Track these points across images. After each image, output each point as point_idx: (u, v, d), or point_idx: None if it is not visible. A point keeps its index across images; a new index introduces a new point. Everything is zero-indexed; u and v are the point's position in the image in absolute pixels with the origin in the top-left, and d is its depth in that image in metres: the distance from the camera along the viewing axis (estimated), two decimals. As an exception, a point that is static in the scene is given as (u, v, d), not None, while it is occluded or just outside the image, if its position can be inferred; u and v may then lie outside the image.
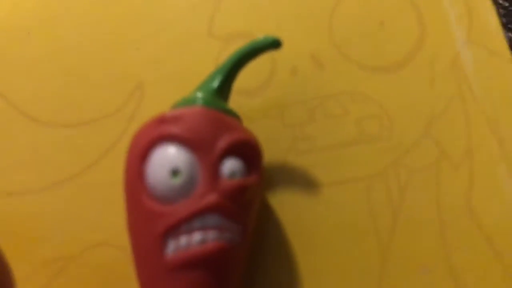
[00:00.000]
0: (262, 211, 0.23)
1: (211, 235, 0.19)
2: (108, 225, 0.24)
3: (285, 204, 0.23)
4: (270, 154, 0.24)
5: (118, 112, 0.25)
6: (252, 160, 0.21)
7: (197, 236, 0.19)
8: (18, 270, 0.23)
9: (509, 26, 0.26)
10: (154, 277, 0.20)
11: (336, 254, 0.23)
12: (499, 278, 0.22)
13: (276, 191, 0.24)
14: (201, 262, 0.19)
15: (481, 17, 0.25)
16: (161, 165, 0.20)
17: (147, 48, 0.26)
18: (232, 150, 0.20)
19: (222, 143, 0.20)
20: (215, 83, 0.22)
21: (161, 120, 0.20)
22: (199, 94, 0.21)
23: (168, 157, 0.20)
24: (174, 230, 0.19)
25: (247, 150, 0.21)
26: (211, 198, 0.19)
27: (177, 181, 0.19)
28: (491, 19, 0.25)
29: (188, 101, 0.21)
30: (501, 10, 0.26)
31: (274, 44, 0.22)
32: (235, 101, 0.24)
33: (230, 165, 0.20)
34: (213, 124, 0.20)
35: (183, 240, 0.19)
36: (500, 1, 0.26)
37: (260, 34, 0.26)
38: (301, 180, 0.24)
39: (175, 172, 0.19)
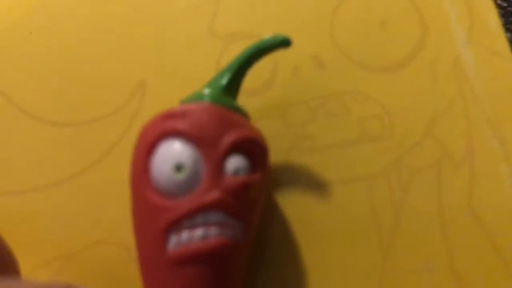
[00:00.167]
0: (265, 209, 0.23)
1: (213, 231, 0.19)
2: (108, 224, 0.24)
3: (287, 203, 0.24)
4: (272, 153, 0.24)
5: (119, 111, 0.25)
6: (257, 158, 0.21)
7: (199, 232, 0.19)
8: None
9: (508, 26, 0.26)
10: (156, 271, 0.20)
11: (337, 253, 0.23)
12: (501, 277, 0.22)
13: (278, 190, 0.24)
14: (203, 258, 0.19)
15: (482, 17, 0.26)
16: (166, 160, 0.20)
17: (149, 47, 0.26)
18: (237, 147, 0.20)
19: (227, 140, 0.20)
20: (224, 81, 0.22)
21: (168, 116, 0.20)
22: (207, 91, 0.21)
23: (173, 152, 0.20)
24: (176, 225, 0.19)
25: (252, 148, 0.21)
26: (214, 194, 0.19)
27: (181, 176, 0.19)
28: (492, 19, 0.25)
29: (195, 97, 0.21)
30: (499, 10, 0.26)
31: (284, 43, 0.22)
32: (237, 101, 0.24)
33: (235, 162, 0.20)
34: (219, 120, 0.20)
35: (185, 235, 0.19)
36: (499, 1, 0.26)
37: (261, 34, 0.26)
38: (303, 180, 0.24)
39: (179, 167, 0.19)
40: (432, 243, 0.23)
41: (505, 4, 0.26)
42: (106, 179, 0.24)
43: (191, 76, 0.26)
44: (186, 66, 0.26)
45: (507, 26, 0.26)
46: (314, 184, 0.24)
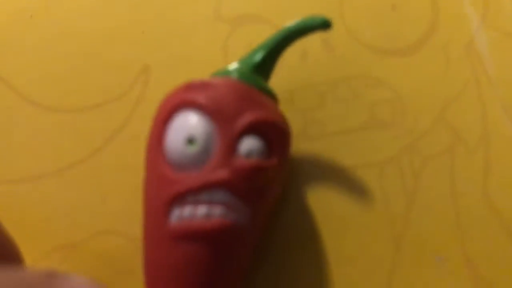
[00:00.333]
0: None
1: (217, 211, 0.19)
2: (113, 213, 0.23)
3: (295, 190, 0.23)
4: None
5: (123, 97, 0.25)
6: (275, 143, 0.20)
7: (202, 209, 0.19)
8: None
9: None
10: (156, 242, 0.19)
11: (348, 241, 0.22)
12: (519, 265, 0.21)
13: (286, 177, 0.23)
14: (203, 236, 0.19)
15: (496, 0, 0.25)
16: (179, 132, 0.19)
17: (152, 31, 0.26)
18: (254, 129, 0.19)
19: (244, 119, 0.19)
20: (255, 59, 0.21)
21: (188, 87, 0.20)
22: (236, 67, 0.21)
23: (187, 124, 0.19)
24: (180, 198, 0.19)
25: (271, 132, 0.20)
26: (222, 173, 0.19)
27: (192, 149, 0.19)
28: (506, 1, 0.25)
29: (224, 72, 0.21)
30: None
31: (324, 24, 0.21)
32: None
33: (249, 144, 0.19)
34: (241, 98, 0.19)
35: (188, 210, 0.19)
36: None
37: (269, 17, 0.25)
38: (312, 166, 0.23)
39: (190, 140, 0.19)
40: (445, 231, 0.22)
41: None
42: (109, 166, 0.24)
43: (196, 61, 0.25)
44: (191, 51, 0.25)
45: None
46: (323, 170, 0.23)
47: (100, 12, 0.26)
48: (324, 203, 0.23)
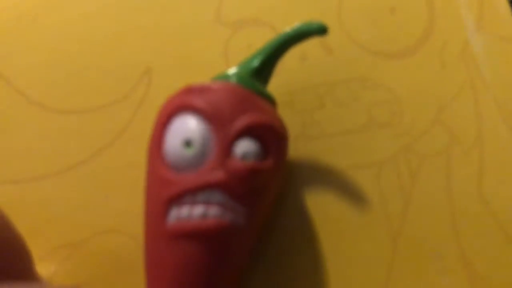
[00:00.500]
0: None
1: (213, 211, 0.19)
2: (116, 212, 0.23)
3: (294, 191, 0.23)
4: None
5: (125, 99, 0.25)
6: (271, 146, 0.20)
7: (199, 210, 0.19)
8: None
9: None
10: (155, 243, 0.20)
11: (346, 241, 0.23)
12: (511, 264, 0.22)
13: (285, 178, 0.23)
14: (200, 236, 0.19)
15: (491, 3, 0.25)
16: (177, 134, 0.20)
17: (155, 34, 0.26)
18: (250, 132, 0.20)
19: (240, 122, 0.20)
20: (254, 64, 0.21)
21: (187, 90, 0.20)
22: (235, 71, 0.21)
23: (185, 127, 0.20)
24: (178, 199, 0.19)
25: (267, 135, 0.20)
26: (218, 175, 0.19)
27: (189, 152, 0.19)
28: (502, 5, 0.25)
29: (223, 77, 0.21)
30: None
31: (320, 30, 0.22)
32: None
33: (244, 146, 0.20)
34: (238, 102, 0.20)
35: (185, 210, 0.19)
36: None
37: (270, 20, 0.26)
38: (311, 167, 0.24)
39: (188, 143, 0.19)
40: (441, 231, 0.22)
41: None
42: (113, 167, 0.24)
43: (197, 64, 0.25)
44: (193, 54, 0.26)
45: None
46: (322, 171, 0.23)
47: (102, 15, 0.27)
48: (322, 203, 0.23)
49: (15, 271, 0.19)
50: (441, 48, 0.25)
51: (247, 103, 0.20)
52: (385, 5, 0.26)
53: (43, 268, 0.23)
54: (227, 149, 0.19)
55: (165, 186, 0.20)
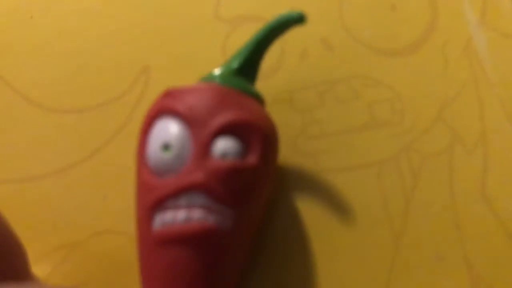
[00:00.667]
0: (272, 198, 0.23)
1: (197, 214, 0.19)
2: (114, 212, 0.23)
3: (294, 191, 0.23)
4: (279, 139, 0.23)
5: (123, 97, 0.25)
6: (253, 144, 0.20)
7: (182, 214, 0.19)
8: (22, 257, 0.23)
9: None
10: (145, 249, 0.20)
11: (347, 241, 0.22)
12: (517, 264, 0.21)
13: (284, 177, 0.23)
14: (184, 240, 0.19)
15: (494, 0, 0.25)
16: (157, 139, 0.19)
17: (152, 31, 0.26)
18: (229, 130, 0.19)
19: (217, 121, 0.19)
20: (237, 61, 0.21)
21: (166, 94, 0.20)
22: (218, 72, 0.21)
23: (163, 131, 0.19)
24: (161, 204, 0.19)
25: (247, 132, 0.19)
26: (197, 176, 0.19)
27: (167, 155, 0.19)
28: (505, 2, 0.25)
29: (206, 78, 0.21)
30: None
31: (298, 19, 0.21)
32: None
33: (223, 145, 0.19)
34: (217, 102, 0.19)
35: (169, 215, 0.19)
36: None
37: (269, 17, 0.25)
38: (311, 166, 0.23)
39: (166, 146, 0.19)
40: (444, 231, 0.22)
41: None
42: (110, 166, 0.24)
43: (196, 61, 0.25)
44: (191, 51, 0.25)
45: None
46: (322, 170, 0.23)
47: (100, 12, 0.26)
48: (322, 203, 0.23)
49: (11, 271, 0.19)
50: (443, 45, 0.24)
51: (227, 102, 0.20)
52: (386, 2, 0.25)
53: (40, 269, 0.23)
54: (205, 149, 0.19)
55: (148, 191, 0.19)
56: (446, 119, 0.23)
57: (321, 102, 0.24)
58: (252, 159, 0.19)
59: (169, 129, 0.19)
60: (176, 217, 0.19)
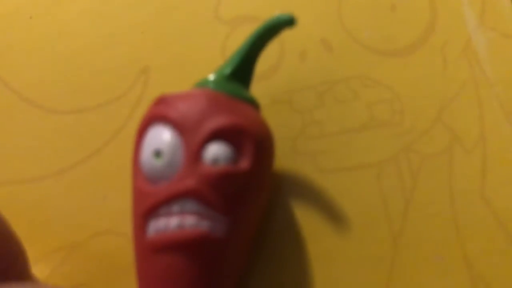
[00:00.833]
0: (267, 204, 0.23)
1: (189, 221, 0.19)
2: (113, 213, 0.23)
3: (294, 191, 0.23)
4: (278, 140, 0.23)
5: (123, 98, 0.25)
6: (245, 148, 0.19)
7: (174, 221, 0.19)
8: (22, 258, 0.23)
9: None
10: (140, 255, 0.20)
11: (347, 242, 0.22)
12: (516, 264, 0.21)
13: (284, 178, 0.23)
14: (179, 247, 0.19)
15: (493, 0, 0.25)
16: (149, 146, 0.19)
17: (152, 32, 0.26)
18: (220, 135, 0.19)
19: (207, 126, 0.19)
20: (229, 67, 0.21)
21: (159, 100, 0.20)
22: (211, 77, 0.21)
23: (155, 138, 0.19)
24: (153, 211, 0.19)
25: (239, 137, 0.19)
26: (189, 182, 0.19)
27: (159, 162, 0.19)
28: (504, 2, 0.25)
29: (201, 84, 0.21)
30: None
31: (288, 22, 0.21)
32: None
33: (214, 151, 0.19)
34: (208, 107, 0.19)
35: (162, 222, 0.19)
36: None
37: (267, 18, 0.25)
38: (310, 167, 0.23)
39: (157, 153, 0.19)
40: (443, 231, 0.22)
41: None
42: (110, 166, 0.24)
43: (195, 62, 0.25)
44: (190, 52, 0.25)
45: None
46: (322, 171, 0.23)
47: (99, 13, 0.26)
48: (322, 203, 0.23)
49: (11, 271, 0.19)
50: (442, 45, 0.24)
51: (219, 108, 0.19)
52: (386, 2, 0.25)
53: (39, 269, 0.23)
54: (196, 155, 0.19)
55: (142, 198, 0.19)
56: (445, 119, 0.23)
57: (321, 103, 0.24)
58: (244, 164, 0.19)
59: (161, 136, 0.19)
60: (169, 224, 0.19)
